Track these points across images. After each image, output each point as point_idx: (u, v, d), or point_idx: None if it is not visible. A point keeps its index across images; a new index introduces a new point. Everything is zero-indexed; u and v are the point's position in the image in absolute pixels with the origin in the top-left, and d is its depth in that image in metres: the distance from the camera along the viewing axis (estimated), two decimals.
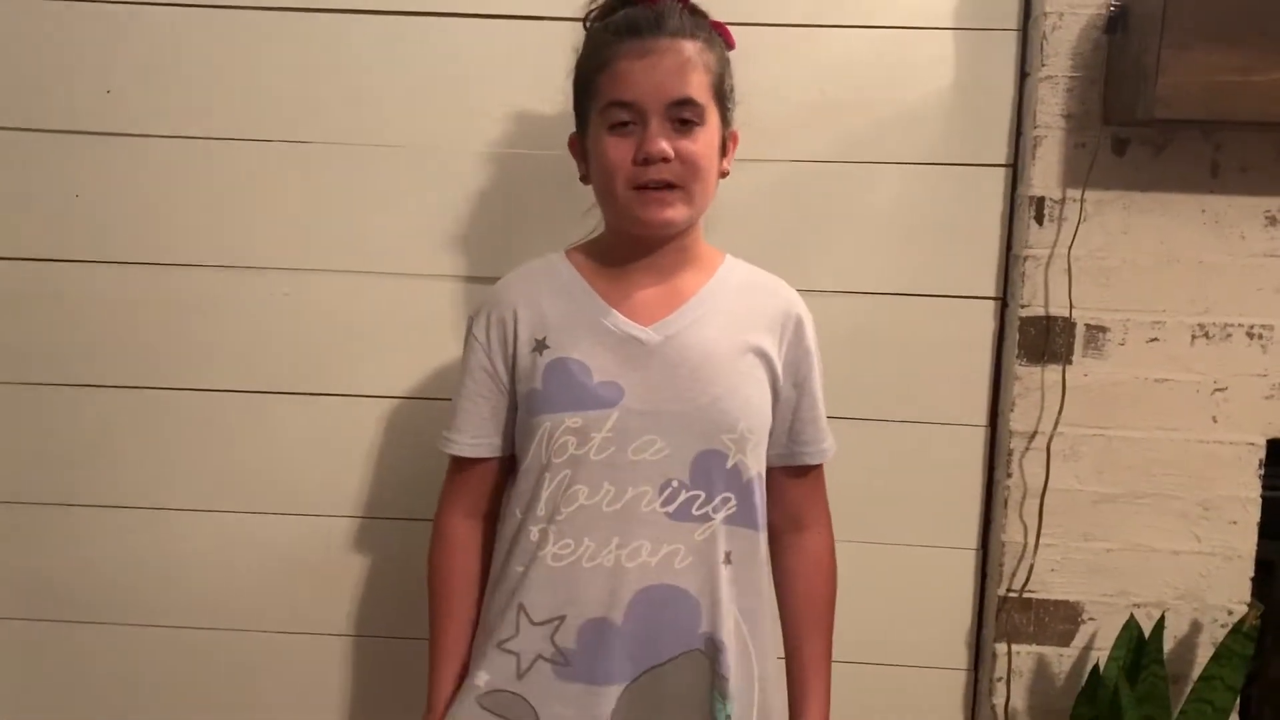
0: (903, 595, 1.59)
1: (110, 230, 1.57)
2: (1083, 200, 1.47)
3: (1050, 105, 1.46)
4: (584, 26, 1.23)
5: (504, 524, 1.25)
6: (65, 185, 1.56)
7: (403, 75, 1.53)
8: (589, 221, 1.31)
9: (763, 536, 1.24)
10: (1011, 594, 1.54)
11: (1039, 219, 1.48)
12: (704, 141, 1.16)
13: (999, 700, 1.55)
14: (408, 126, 1.54)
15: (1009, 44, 1.50)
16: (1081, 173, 1.47)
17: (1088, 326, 1.50)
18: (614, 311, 1.20)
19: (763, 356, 1.22)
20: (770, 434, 1.25)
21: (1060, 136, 1.47)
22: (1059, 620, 1.54)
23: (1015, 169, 1.52)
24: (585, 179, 1.24)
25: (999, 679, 1.55)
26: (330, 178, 1.55)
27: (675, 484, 1.17)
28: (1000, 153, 1.52)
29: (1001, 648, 1.55)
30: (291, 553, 1.62)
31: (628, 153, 1.14)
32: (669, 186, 1.15)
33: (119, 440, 1.61)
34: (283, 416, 1.59)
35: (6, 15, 1.53)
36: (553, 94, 1.42)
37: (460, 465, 1.28)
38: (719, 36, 1.22)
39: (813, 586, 1.30)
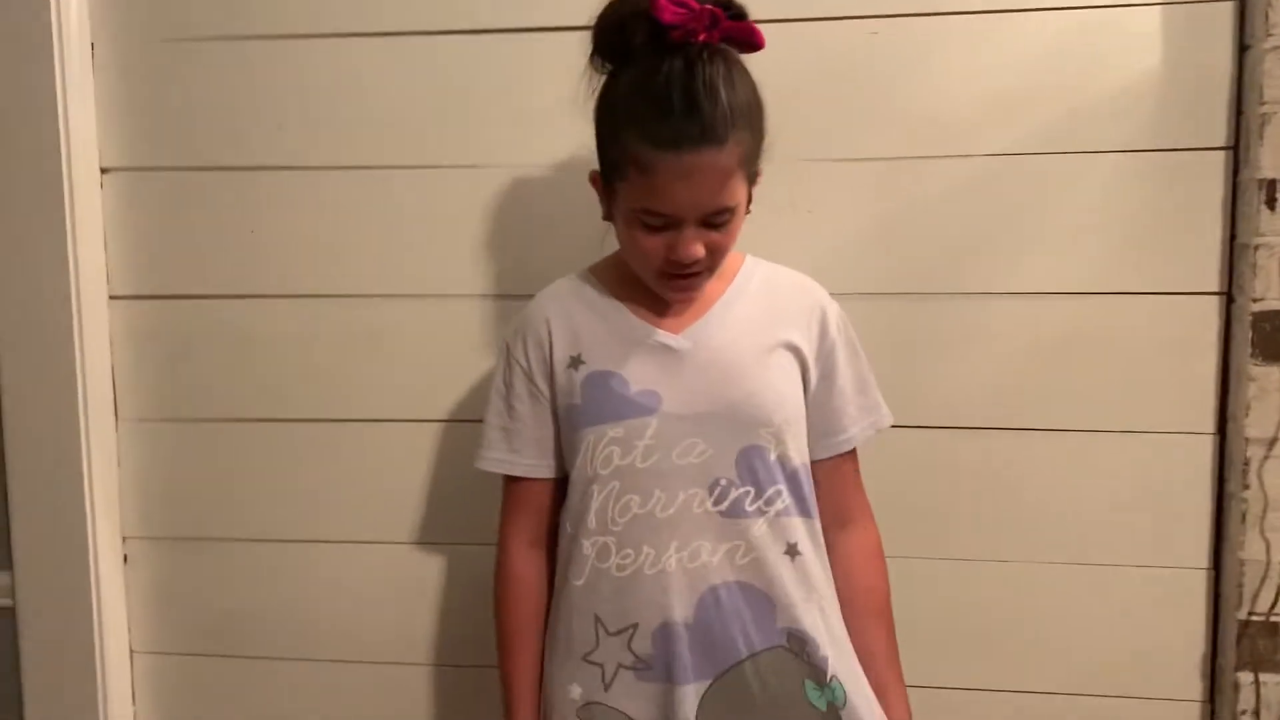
0: (1128, 620, 1.46)
1: (286, 264, 1.56)
2: None
3: (1278, 79, 1.33)
4: (597, 69, 1.17)
5: (560, 539, 1.27)
6: (241, 221, 1.56)
7: None
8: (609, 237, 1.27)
9: (819, 525, 1.25)
10: (1255, 618, 1.39)
11: (1270, 203, 1.35)
12: (734, 228, 1.17)
13: None
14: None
15: (1225, 15, 1.37)
16: None
17: None
18: (644, 323, 1.23)
19: (793, 350, 1.23)
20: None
21: None
22: None
23: (1236, 151, 1.39)
24: (608, 218, 1.23)
25: (1243, 712, 1.41)
26: (499, 203, 1.52)
27: (724, 482, 1.18)
28: (1219, 135, 1.39)
29: (1245, 677, 1.40)
30: (474, 582, 1.57)
31: (659, 246, 1.15)
32: (697, 273, 1.17)
33: (300, 473, 1.59)
34: (458, 443, 1.55)
35: (180, 59, 1.55)
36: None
37: (518, 488, 1.30)
38: (753, 89, 1.13)
39: (872, 580, 1.29)
